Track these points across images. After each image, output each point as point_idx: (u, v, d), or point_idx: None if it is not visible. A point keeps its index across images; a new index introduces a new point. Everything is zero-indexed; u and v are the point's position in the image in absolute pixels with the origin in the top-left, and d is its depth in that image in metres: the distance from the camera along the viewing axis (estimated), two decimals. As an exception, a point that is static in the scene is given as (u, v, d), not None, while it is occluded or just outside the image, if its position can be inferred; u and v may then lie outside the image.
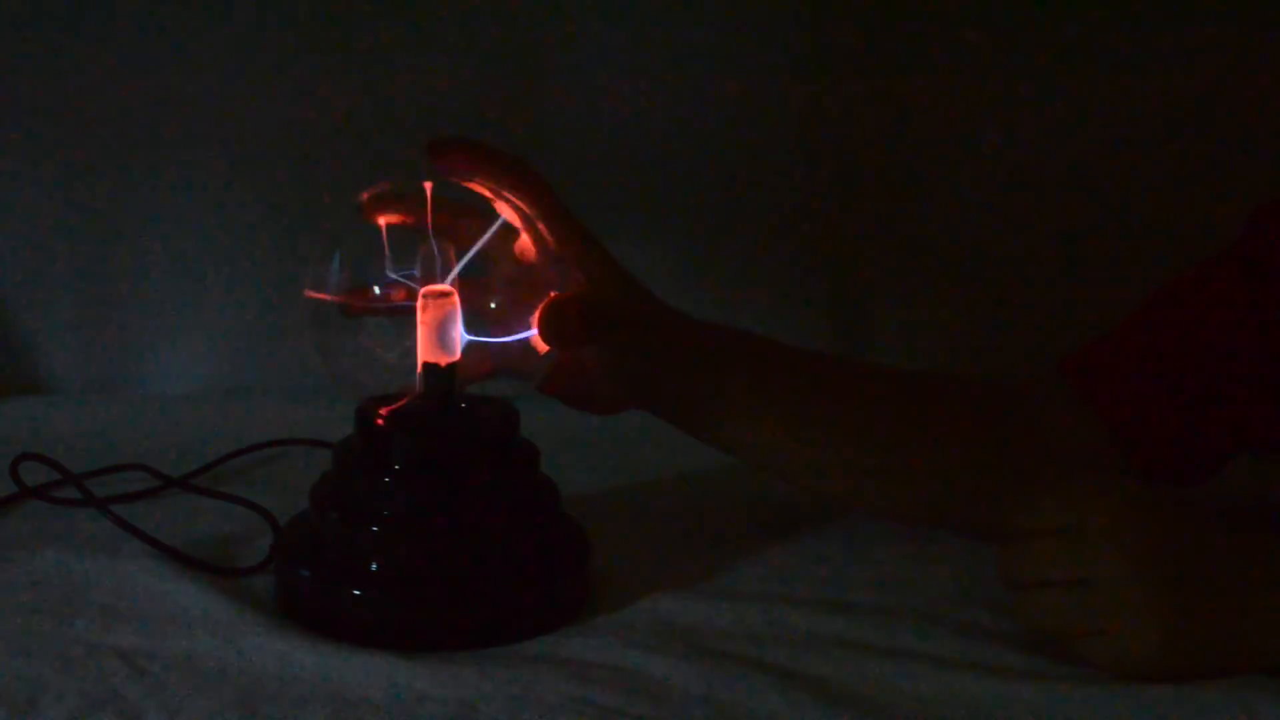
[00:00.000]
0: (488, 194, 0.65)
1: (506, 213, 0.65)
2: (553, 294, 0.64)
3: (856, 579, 0.70)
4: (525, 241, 0.66)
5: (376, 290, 0.64)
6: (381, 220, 0.64)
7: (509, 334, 0.65)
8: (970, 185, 1.13)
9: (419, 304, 0.63)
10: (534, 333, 0.64)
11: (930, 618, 0.65)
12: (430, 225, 0.64)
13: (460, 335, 0.64)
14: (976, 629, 0.64)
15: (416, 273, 0.64)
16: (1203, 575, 0.57)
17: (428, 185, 0.64)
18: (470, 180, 0.65)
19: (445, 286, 0.64)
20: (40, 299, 1.12)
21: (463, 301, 0.64)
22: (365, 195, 0.65)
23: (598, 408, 0.71)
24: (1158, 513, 0.59)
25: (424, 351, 0.64)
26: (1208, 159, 1.10)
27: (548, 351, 0.65)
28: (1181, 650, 0.57)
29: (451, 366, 0.64)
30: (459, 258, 0.64)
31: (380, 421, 0.64)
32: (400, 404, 0.65)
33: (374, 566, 0.62)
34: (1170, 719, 0.54)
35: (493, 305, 0.66)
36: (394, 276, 0.64)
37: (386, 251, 0.64)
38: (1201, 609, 0.57)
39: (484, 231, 0.65)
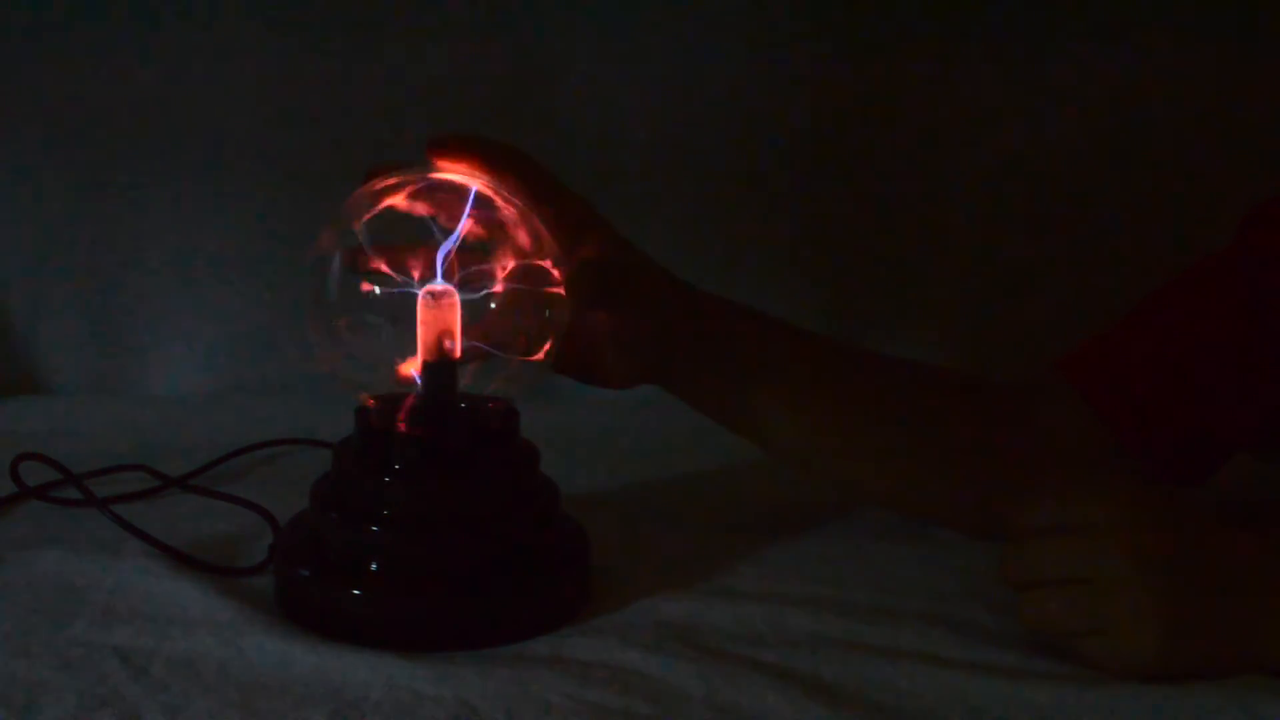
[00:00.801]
0: (486, 186, 0.65)
1: (507, 204, 0.65)
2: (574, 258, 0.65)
3: (856, 579, 0.70)
4: (526, 234, 0.66)
5: (377, 290, 0.65)
6: (386, 208, 0.65)
7: (509, 335, 0.66)
8: (971, 183, 1.13)
9: (419, 303, 0.63)
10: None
11: (930, 618, 0.65)
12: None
13: (460, 335, 0.64)
14: (976, 629, 0.64)
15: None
16: (1203, 575, 0.57)
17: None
18: (470, 174, 0.65)
19: (445, 286, 0.64)
20: (40, 299, 1.12)
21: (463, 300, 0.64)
22: (370, 185, 0.65)
23: (611, 383, 0.71)
24: (1158, 513, 0.59)
25: (424, 351, 0.64)
26: (1207, 157, 1.10)
27: (552, 334, 0.65)
28: (1181, 650, 0.57)
29: (452, 366, 0.64)
30: (460, 252, 0.64)
31: (380, 421, 0.64)
32: (400, 404, 0.65)
33: (374, 566, 0.61)
34: (1170, 719, 0.55)
35: (493, 305, 0.65)
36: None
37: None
38: (1201, 608, 0.57)
39: (487, 224, 0.65)
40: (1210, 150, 1.11)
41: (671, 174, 1.12)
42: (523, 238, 0.65)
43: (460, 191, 0.65)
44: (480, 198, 0.65)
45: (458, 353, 0.64)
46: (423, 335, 0.64)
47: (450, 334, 0.64)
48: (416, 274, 0.64)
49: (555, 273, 0.65)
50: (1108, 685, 0.57)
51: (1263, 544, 0.59)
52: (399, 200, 0.65)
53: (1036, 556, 0.59)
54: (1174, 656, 0.57)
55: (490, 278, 0.65)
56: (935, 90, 1.12)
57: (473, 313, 0.65)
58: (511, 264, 0.65)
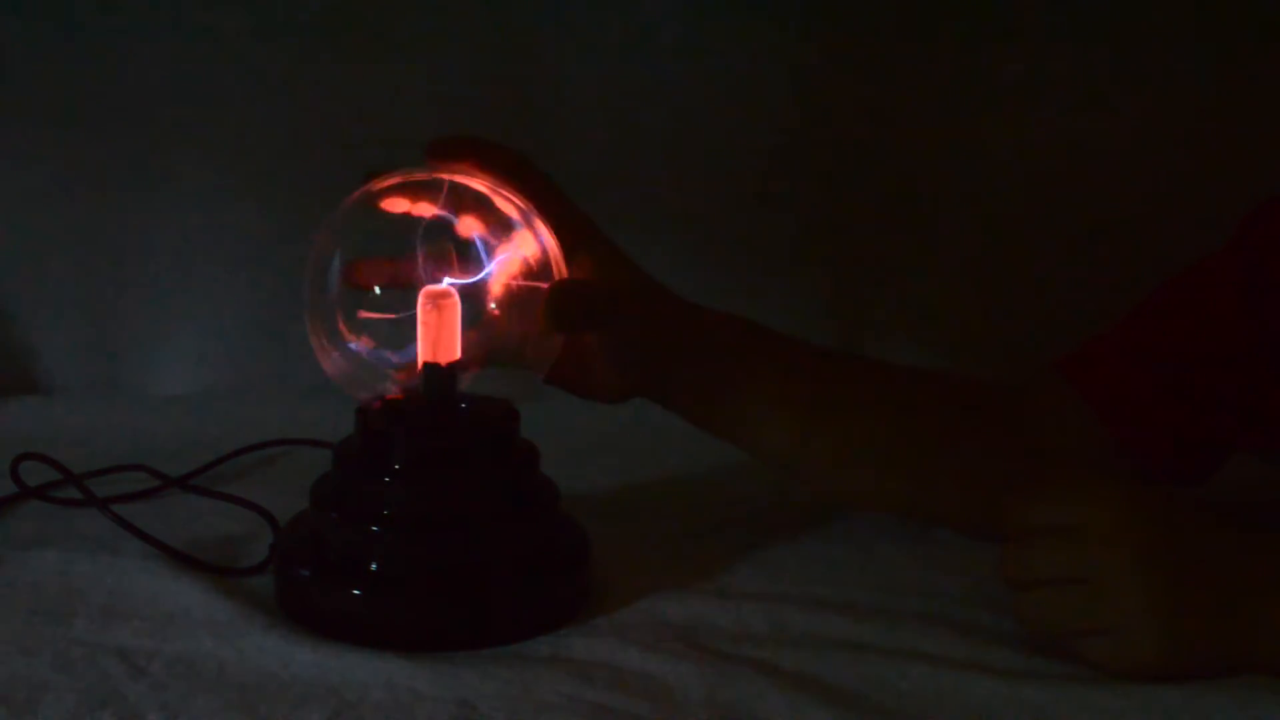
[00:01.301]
0: (486, 189, 0.65)
1: (507, 208, 0.65)
2: (558, 279, 0.64)
3: (856, 579, 0.70)
4: (523, 237, 0.66)
5: (377, 290, 0.65)
6: (386, 209, 0.65)
7: (510, 336, 0.66)
8: (972, 182, 1.13)
9: (420, 304, 0.63)
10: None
11: (930, 618, 0.65)
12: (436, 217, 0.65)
13: (460, 336, 0.64)
14: (976, 629, 0.64)
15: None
16: (1203, 575, 0.57)
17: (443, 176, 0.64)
18: (471, 177, 0.65)
19: (445, 287, 0.64)
20: (40, 299, 1.12)
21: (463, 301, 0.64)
22: (369, 186, 0.65)
23: (603, 396, 0.71)
24: (1158, 513, 0.59)
25: (424, 351, 0.64)
26: (1208, 157, 1.10)
27: (550, 340, 0.65)
28: (1181, 650, 0.57)
29: (452, 366, 0.64)
30: (460, 256, 0.64)
31: (380, 421, 0.64)
32: (400, 404, 0.65)
33: (374, 566, 0.61)
34: (1170, 719, 0.54)
35: (493, 305, 0.66)
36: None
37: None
38: (1201, 609, 0.57)
39: (486, 227, 0.65)
40: (1210, 150, 1.11)
41: (670, 174, 1.12)
42: (524, 242, 0.65)
43: (461, 193, 0.65)
44: (480, 200, 0.65)
45: (458, 353, 0.64)
46: (423, 336, 0.64)
47: (450, 335, 0.64)
48: (416, 277, 0.64)
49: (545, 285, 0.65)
50: (1108, 685, 0.57)
51: (1262, 544, 0.59)
52: (398, 203, 0.65)
53: (1036, 557, 0.59)
54: (1173, 656, 0.57)
55: (490, 280, 0.66)
56: (935, 91, 1.12)
57: (473, 316, 0.65)
58: (513, 267, 0.65)
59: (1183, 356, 0.73)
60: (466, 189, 0.65)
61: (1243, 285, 0.73)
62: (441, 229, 0.65)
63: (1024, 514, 0.61)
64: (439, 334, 0.63)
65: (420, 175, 0.65)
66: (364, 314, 0.65)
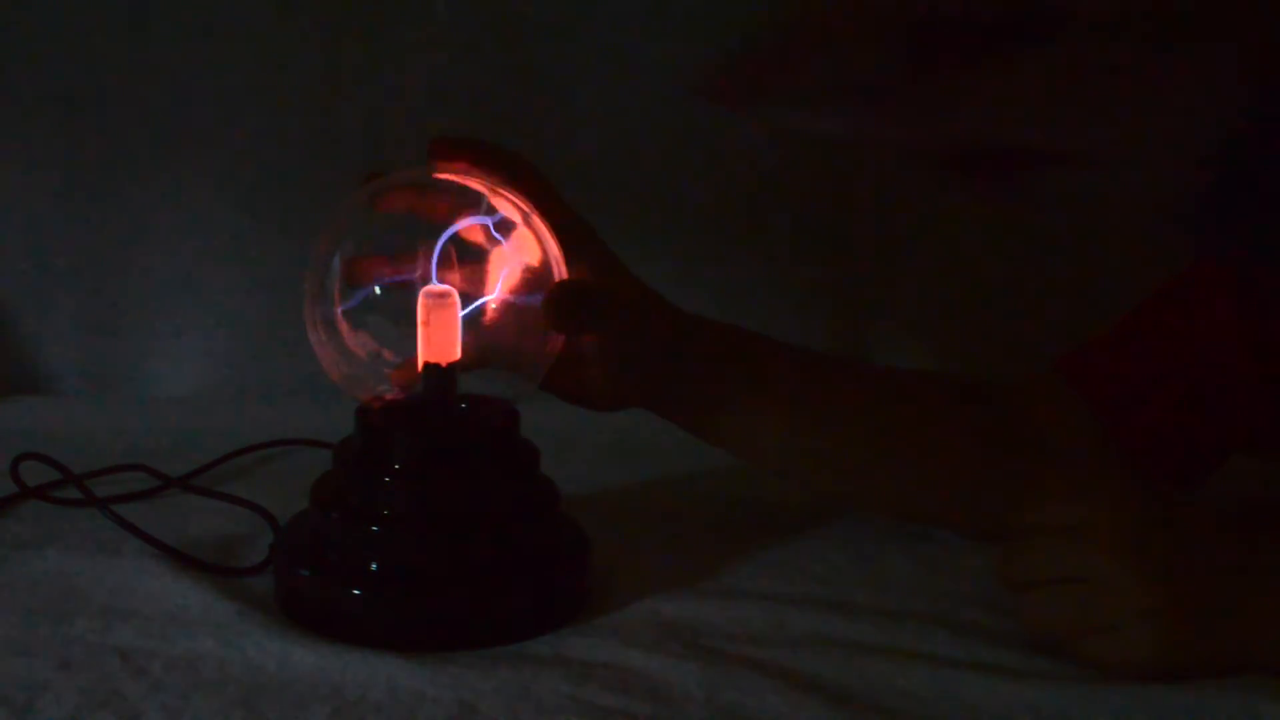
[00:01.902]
0: (486, 190, 0.65)
1: (506, 208, 0.65)
2: (559, 279, 0.64)
3: (856, 579, 0.70)
4: (523, 239, 0.66)
5: (377, 290, 0.65)
6: (386, 209, 0.65)
7: (508, 337, 0.66)
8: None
9: (419, 304, 0.63)
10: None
11: (930, 618, 0.65)
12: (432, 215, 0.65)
13: (460, 335, 0.64)
14: (976, 629, 0.64)
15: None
16: (1202, 575, 0.57)
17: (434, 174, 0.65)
18: (470, 177, 0.65)
19: (445, 287, 0.64)
20: (40, 299, 1.12)
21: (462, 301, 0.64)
22: (369, 186, 0.65)
23: (599, 405, 0.71)
24: (1156, 513, 0.59)
25: (424, 352, 0.64)
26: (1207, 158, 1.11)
27: (547, 343, 0.65)
28: (1180, 649, 0.57)
29: (452, 367, 0.64)
30: (460, 255, 0.64)
31: (380, 421, 0.64)
32: (400, 404, 0.65)
33: (374, 566, 0.61)
34: (1170, 719, 0.55)
35: (492, 305, 0.66)
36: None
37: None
38: (1201, 609, 0.57)
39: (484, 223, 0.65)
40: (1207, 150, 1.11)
41: (668, 175, 1.12)
42: (526, 244, 0.65)
43: (461, 194, 0.65)
44: (481, 200, 0.65)
45: (458, 353, 0.64)
46: (423, 336, 0.64)
47: (450, 335, 0.64)
48: (416, 276, 0.64)
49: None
50: (1108, 685, 0.57)
51: (1260, 544, 0.59)
52: (399, 202, 0.65)
53: (1035, 557, 0.59)
54: (1173, 656, 0.57)
55: (491, 281, 0.66)
56: (935, 91, 1.12)
57: (474, 317, 0.65)
58: (513, 269, 0.65)
59: (1181, 356, 0.73)
60: (467, 189, 0.65)
61: (1238, 285, 0.73)
62: (441, 229, 0.65)
63: (1022, 514, 0.61)
64: (439, 334, 0.63)
65: (421, 175, 0.65)
66: (364, 314, 0.65)
